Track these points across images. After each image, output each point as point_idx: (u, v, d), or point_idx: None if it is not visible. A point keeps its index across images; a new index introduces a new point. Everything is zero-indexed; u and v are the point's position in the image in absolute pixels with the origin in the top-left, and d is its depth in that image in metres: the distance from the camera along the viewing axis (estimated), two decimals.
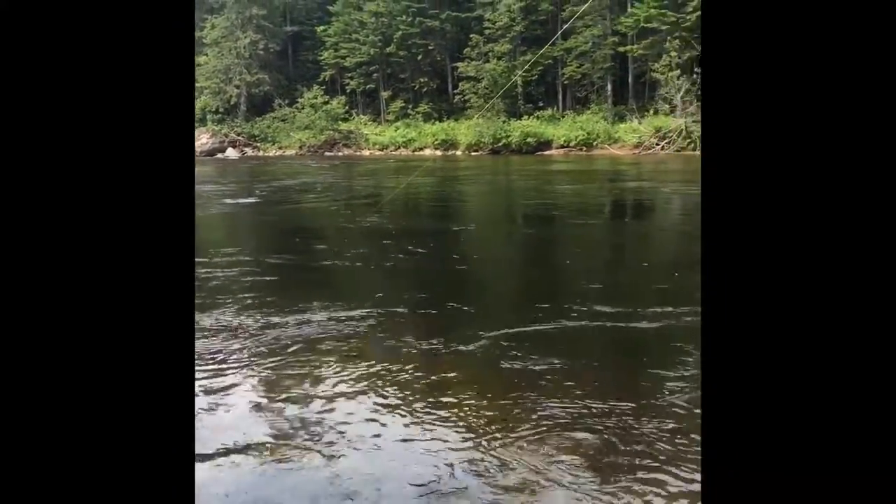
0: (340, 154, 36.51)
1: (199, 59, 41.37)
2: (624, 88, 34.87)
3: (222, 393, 3.81)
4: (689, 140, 28.02)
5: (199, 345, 4.58)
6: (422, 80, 39.83)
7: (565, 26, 29.29)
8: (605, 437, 3.21)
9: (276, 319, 5.22)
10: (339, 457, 3.07)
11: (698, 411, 3.44)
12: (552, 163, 26.15)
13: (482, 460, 3.01)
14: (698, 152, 26.65)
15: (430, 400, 3.68)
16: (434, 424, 3.39)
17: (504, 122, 33.24)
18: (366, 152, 36.67)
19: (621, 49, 33.27)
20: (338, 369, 4.17)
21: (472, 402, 3.64)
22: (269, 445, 3.19)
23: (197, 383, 3.87)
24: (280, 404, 3.67)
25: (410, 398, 3.71)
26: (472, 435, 3.25)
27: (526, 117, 34.14)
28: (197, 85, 40.68)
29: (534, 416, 3.44)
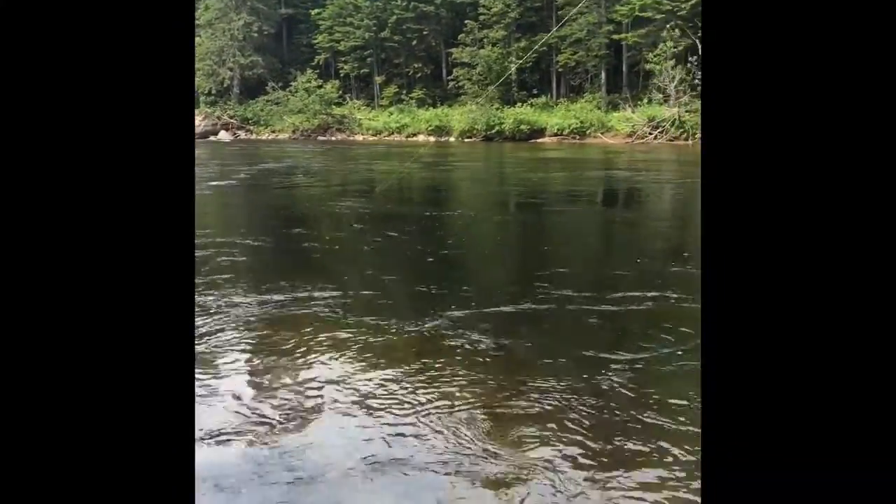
0: (333, 139, 36.34)
1: None
2: (618, 77, 34.70)
3: None
4: (681, 130, 27.94)
5: None
6: (416, 65, 39.58)
7: (570, 14, 29.09)
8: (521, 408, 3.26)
9: (237, 299, 5.29)
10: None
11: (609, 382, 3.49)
12: (543, 150, 26.10)
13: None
14: (691, 142, 26.61)
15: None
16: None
17: (497, 108, 33.11)
18: (359, 137, 36.50)
19: (616, 37, 33.10)
20: (293, 343, 4.29)
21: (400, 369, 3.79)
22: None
23: None
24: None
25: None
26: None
27: (520, 104, 34.00)
28: None
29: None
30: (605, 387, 3.60)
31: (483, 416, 3.28)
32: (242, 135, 39.00)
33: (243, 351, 4.27)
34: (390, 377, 3.75)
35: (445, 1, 38.00)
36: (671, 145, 26.85)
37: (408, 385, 3.65)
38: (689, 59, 27.95)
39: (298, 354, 4.14)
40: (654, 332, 4.48)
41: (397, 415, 3.30)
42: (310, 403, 3.46)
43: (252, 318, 4.86)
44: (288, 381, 3.75)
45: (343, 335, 4.45)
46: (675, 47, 28.48)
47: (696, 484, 2.60)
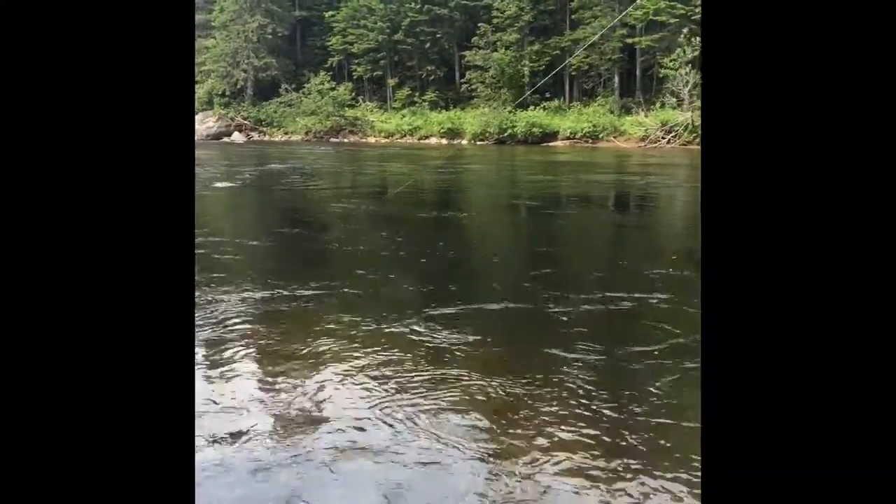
0: (346, 141, 36.51)
1: (207, 42, 41.44)
2: (631, 81, 34.61)
3: None
4: (695, 134, 27.79)
5: None
6: (429, 67, 39.70)
7: (597, 35, 29.02)
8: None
9: (221, 296, 5.42)
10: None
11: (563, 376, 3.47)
12: (555, 153, 26.05)
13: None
14: None
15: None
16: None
17: (510, 111, 33.11)
18: (371, 139, 36.63)
19: (629, 41, 33.01)
20: (265, 338, 4.47)
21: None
22: None
23: None
24: None
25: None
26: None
27: (532, 108, 33.99)
28: (204, 68, 40.79)
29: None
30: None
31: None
32: (256, 136, 39.27)
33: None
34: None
35: (459, 4, 38.10)
36: (684, 149, 26.71)
37: None
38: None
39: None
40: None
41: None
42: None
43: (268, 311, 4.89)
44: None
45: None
46: (692, 52, 28.35)
47: None
